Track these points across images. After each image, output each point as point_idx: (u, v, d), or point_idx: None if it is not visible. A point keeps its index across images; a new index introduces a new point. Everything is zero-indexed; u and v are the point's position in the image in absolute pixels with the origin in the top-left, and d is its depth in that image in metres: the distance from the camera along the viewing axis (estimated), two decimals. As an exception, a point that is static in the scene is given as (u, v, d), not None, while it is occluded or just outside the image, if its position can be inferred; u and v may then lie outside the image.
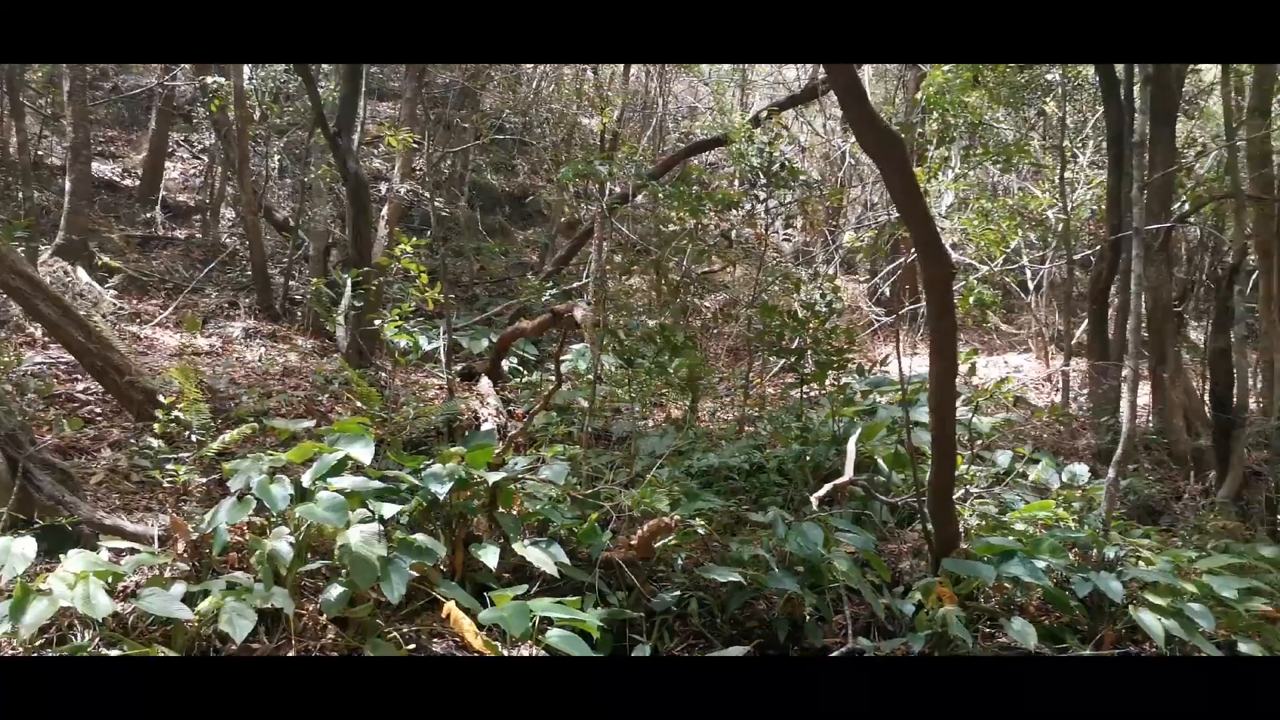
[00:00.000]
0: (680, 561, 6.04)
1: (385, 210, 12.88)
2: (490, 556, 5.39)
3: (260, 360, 10.13)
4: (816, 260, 14.88)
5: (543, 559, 5.39)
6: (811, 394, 8.94)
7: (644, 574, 5.90)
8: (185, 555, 5.03)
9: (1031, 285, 13.37)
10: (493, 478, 5.74)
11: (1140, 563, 6.67)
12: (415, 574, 5.06)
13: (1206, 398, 9.66)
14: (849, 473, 6.53)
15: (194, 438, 6.42)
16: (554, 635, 4.76)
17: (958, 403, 8.33)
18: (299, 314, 12.24)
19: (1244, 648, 6.28)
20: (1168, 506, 8.74)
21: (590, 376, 8.13)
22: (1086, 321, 11.14)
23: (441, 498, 5.51)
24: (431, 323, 10.57)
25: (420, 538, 5.20)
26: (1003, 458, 8.46)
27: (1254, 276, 10.71)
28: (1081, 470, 8.29)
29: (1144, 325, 9.82)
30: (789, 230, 16.83)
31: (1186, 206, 11.20)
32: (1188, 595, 6.31)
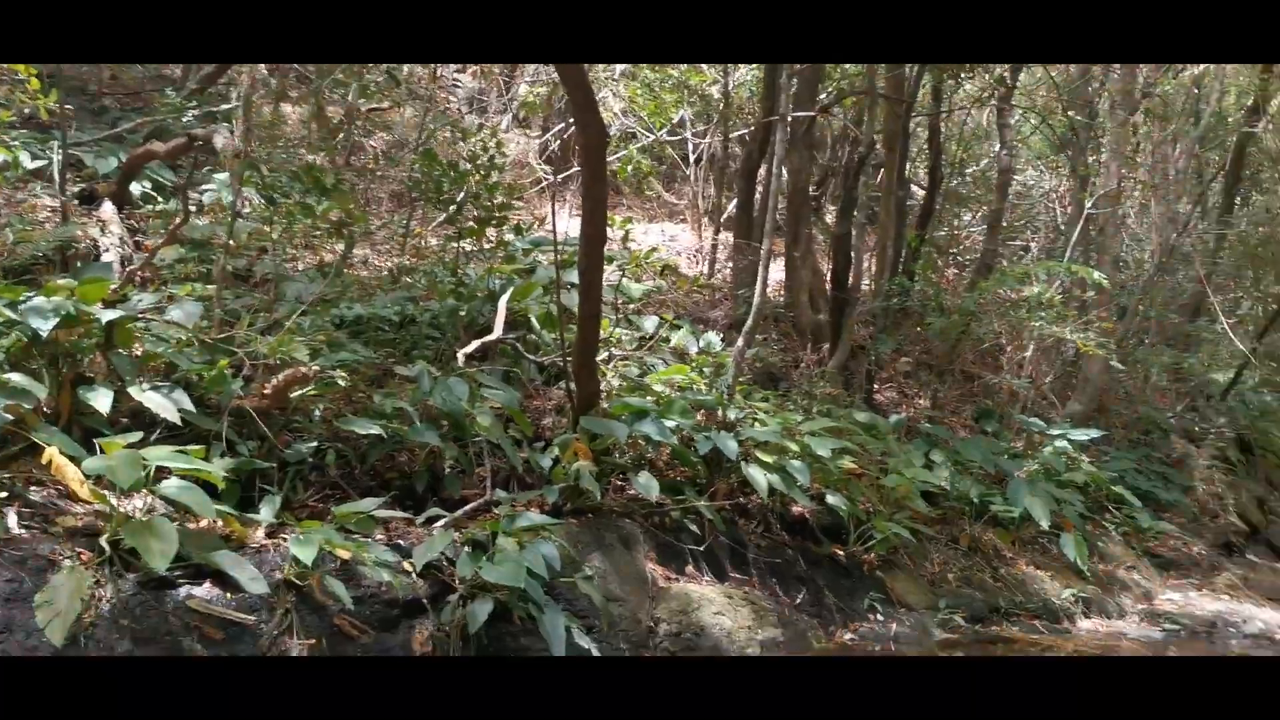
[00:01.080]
0: (318, 412, 5.86)
1: (-11, -6, 10.95)
2: (102, 400, 4.94)
3: None
4: (489, 111, 14.56)
5: (163, 405, 5.02)
6: (474, 248, 8.85)
7: (278, 424, 5.68)
8: None
9: (692, 158, 13.91)
10: (108, 315, 5.22)
11: (756, 424, 7.35)
12: (10, 416, 4.55)
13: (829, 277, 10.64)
14: (498, 330, 6.59)
15: None
16: (170, 486, 4.49)
17: (612, 267, 8.62)
18: None
19: (831, 499, 7.18)
20: (787, 374, 9.65)
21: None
22: (737, 198, 11.80)
23: (44, 334, 4.93)
24: (46, 135, 9.25)
25: (15, 377, 4.65)
26: (649, 323, 8.91)
27: (882, 170, 11.80)
28: (716, 338, 8.92)
29: (784, 206, 10.58)
30: (461, 74, 16.27)
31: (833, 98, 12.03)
32: (791, 453, 7.06)
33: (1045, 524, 8.33)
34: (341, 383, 5.76)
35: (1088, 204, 11.70)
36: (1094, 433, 10.09)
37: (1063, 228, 13.41)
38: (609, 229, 8.93)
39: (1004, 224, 13.10)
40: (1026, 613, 7.87)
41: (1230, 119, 13.82)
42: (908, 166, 11.98)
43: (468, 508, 5.69)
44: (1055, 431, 9.88)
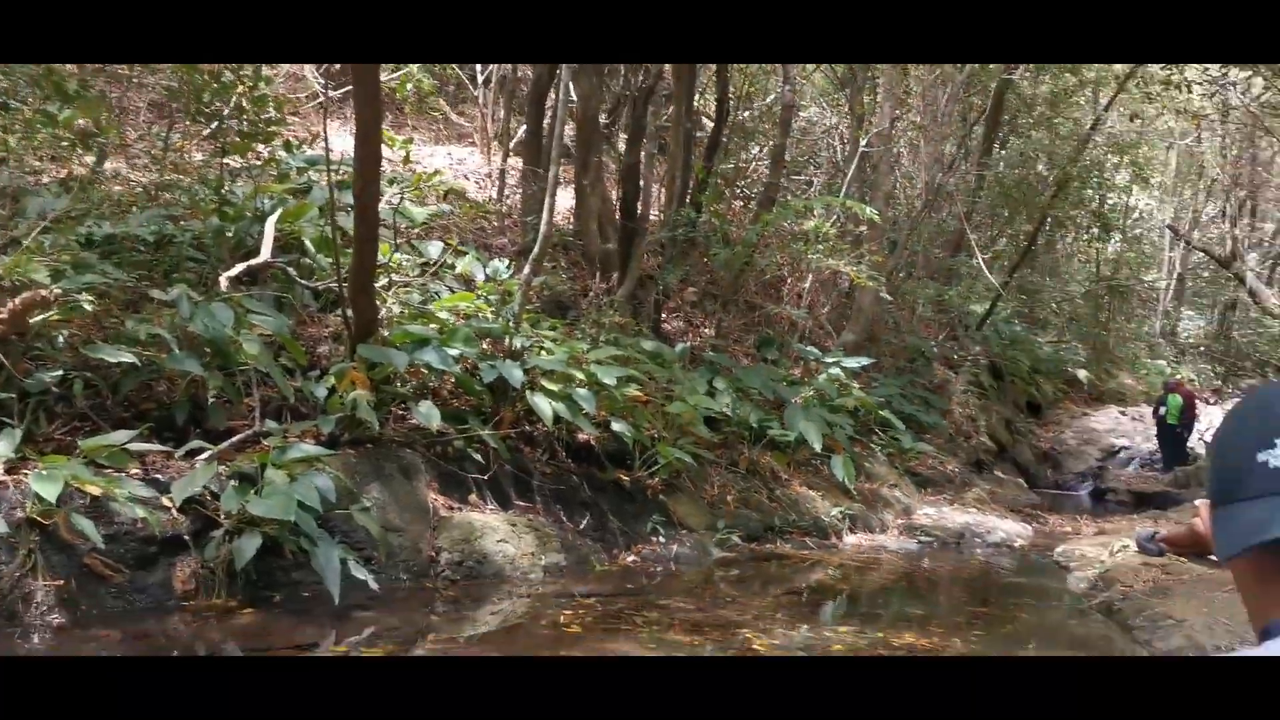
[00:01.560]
0: (63, 339, 5.37)
1: None
2: None
3: None
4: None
5: (-128, 331, 4.47)
6: (242, 165, 8.29)
7: (18, 351, 5.17)
8: None
9: (480, 79, 13.51)
10: None
11: (542, 352, 7.32)
12: None
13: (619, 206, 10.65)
14: (266, 253, 6.22)
15: None
16: (-121, 421, 4.02)
17: (393, 190, 8.29)
18: None
19: (616, 426, 7.26)
20: (576, 302, 9.64)
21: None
22: (526, 123, 11.57)
23: None
24: None
25: None
26: (433, 248, 8.65)
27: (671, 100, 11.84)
28: (503, 265, 8.79)
29: (574, 133, 10.47)
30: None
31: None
32: (577, 382, 7.09)
33: (818, 447, 8.78)
34: (89, 307, 5.30)
35: (863, 142, 12.21)
36: (865, 360, 10.69)
37: (842, 164, 13.95)
38: (389, 149, 8.58)
39: (788, 159, 13.49)
40: (799, 530, 8.31)
41: (992, 65, 14.67)
42: (696, 98, 12.10)
43: (234, 439, 5.39)
44: (830, 359, 10.40)
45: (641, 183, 10.09)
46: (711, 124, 12.14)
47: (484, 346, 7.12)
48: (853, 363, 10.36)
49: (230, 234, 6.85)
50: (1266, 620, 0.91)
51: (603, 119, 11.71)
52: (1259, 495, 0.90)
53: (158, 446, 5.15)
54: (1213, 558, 6.34)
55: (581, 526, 6.86)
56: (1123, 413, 16.92)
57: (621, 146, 11.89)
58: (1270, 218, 25.34)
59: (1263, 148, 21.84)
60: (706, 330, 10.91)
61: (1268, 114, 17.23)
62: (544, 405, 6.66)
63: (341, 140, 9.08)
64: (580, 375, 7.09)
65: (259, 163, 7.85)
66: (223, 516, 4.87)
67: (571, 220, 10.92)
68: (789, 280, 12.38)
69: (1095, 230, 18.11)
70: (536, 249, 7.56)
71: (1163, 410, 14.53)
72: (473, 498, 6.41)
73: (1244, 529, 0.90)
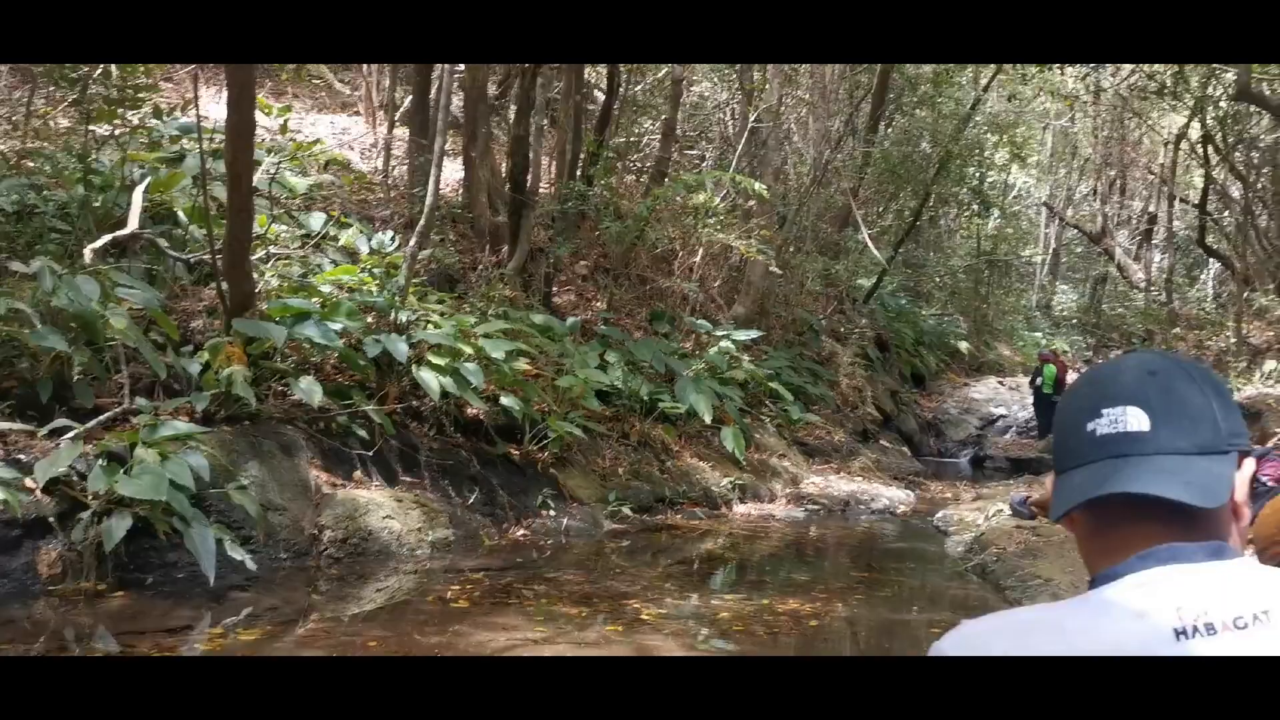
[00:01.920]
0: (-90, 314, 5.07)
1: None
2: None
3: None
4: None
5: None
6: (109, 132, 7.91)
7: None
8: None
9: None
10: None
11: (429, 326, 7.21)
12: None
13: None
14: (134, 223, 5.96)
15: None
16: None
17: (271, 159, 8.03)
18: None
19: (505, 401, 7.22)
20: (465, 276, 9.51)
21: None
22: (413, 93, 11.34)
23: None
24: None
25: None
26: (315, 220, 8.41)
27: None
28: (388, 238, 8.61)
29: (463, 104, 10.29)
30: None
31: None
32: (465, 356, 7.01)
33: (708, 419, 8.89)
34: (-61, 280, 5.00)
35: (752, 118, 12.32)
36: (755, 333, 10.85)
37: (733, 140, 14.05)
38: (266, 117, 8.31)
39: (679, 133, 13.53)
40: (689, 501, 8.41)
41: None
42: (587, 71, 12.02)
43: (102, 418, 5.17)
44: (721, 332, 10.51)
45: (531, 155, 10.00)
46: (603, 97, 12.08)
47: (368, 321, 6.99)
48: (743, 335, 10.50)
49: (97, 204, 6.54)
50: (1095, 572, 0.97)
51: (491, 90, 11.55)
52: (1087, 462, 0.95)
53: (20, 425, 4.91)
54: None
55: (470, 501, 6.81)
56: (1001, 383, 17.55)
57: (511, 118, 11.75)
58: (1138, 195, 26.53)
59: (1131, 129, 22.83)
60: (598, 304, 10.90)
61: (1135, 96, 18.00)
62: (431, 380, 6.58)
63: (216, 107, 8.75)
64: (468, 349, 7.01)
65: (127, 130, 7.50)
66: (90, 497, 4.68)
67: (460, 192, 10.76)
68: (680, 254, 12.44)
69: (976, 207, 18.69)
70: (423, 221, 7.43)
71: (1038, 380, 15.10)
72: (357, 474, 6.30)
73: (1069, 493, 0.95)
